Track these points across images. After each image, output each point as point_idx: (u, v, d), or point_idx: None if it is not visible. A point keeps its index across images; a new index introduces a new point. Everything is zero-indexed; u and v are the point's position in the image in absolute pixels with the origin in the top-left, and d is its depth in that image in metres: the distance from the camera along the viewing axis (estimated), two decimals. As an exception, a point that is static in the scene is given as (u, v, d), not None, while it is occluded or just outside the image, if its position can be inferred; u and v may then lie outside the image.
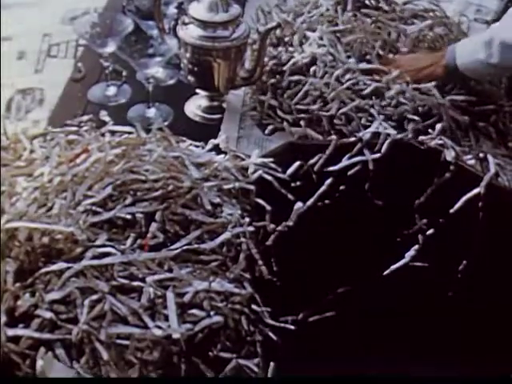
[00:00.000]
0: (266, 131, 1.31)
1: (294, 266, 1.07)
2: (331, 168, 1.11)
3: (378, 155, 1.12)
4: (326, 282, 1.12)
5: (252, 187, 1.07)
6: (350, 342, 1.12)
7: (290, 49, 1.40)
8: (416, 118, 1.25)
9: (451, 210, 1.09)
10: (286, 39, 1.44)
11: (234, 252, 1.00)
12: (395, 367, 1.09)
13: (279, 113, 1.31)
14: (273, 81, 1.33)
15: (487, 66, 1.26)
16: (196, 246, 0.96)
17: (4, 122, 1.16)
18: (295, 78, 1.33)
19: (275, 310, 0.98)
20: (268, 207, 1.06)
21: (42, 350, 0.81)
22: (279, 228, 1.07)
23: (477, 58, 1.27)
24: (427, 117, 1.26)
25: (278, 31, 1.44)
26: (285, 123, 1.29)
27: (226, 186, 1.06)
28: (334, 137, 1.14)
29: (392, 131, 1.17)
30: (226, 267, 0.97)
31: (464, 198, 1.09)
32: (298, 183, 1.10)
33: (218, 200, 1.03)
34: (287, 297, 1.03)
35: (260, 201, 1.07)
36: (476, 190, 1.08)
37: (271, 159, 1.12)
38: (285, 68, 1.34)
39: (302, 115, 1.29)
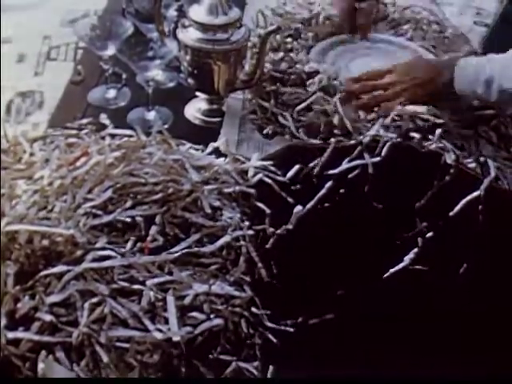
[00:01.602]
0: (264, 131, 1.31)
1: (293, 269, 1.06)
2: (331, 171, 1.11)
3: (378, 158, 1.12)
4: (326, 285, 1.12)
5: (252, 191, 1.07)
6: (350, 344, 1.11)
7: (291, 54, 1.41)
8: (417, 135, 1.25)
9: (451, 213, 1.09)
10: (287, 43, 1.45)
11: (234, 255, 1.00)
12: (395, 370, 1.09)
13: (280, 119, 1.31)
14: (273, 88, 1.34)
15: (484, 99, 1.27)
16: (196, 249, 0.97)
17: (4, 124, 1.16)
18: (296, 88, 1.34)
19: (275, 313, 0.98)
20: (268, 210, 1.06)
21: (43, 353, 0.81)
22: (279, 231, 1.07)
23: (475, 90, 1.27)
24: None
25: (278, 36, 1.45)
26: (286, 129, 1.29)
27: (226, 190, 1.06)
28: (333, 140, 1.14)
29: (392, 134, 1.17)
30: (226, 270, 0.97)
31: (463, 201, 1.09)
32: (298, 186, 1.10)
33: (217, 203, 1.03)
34: (287, 300, 1.03)
35: (260, 204, 1.07)
36: (476, 193, 1.08)
37: (271, 162, 1.12)
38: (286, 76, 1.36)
39: (302, 120, 1.29)
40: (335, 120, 1.27)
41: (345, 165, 1.11)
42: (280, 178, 1.10)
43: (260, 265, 1.01)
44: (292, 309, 1.07)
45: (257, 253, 1.01)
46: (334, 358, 1.08)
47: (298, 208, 1.07)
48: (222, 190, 1.06)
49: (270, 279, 1.02)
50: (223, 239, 0.98)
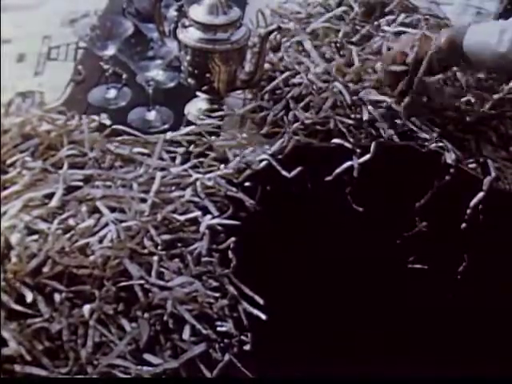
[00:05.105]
0: (264, 131, 1.31)
1: (294, 267, 1.07)
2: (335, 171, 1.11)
3: (376, 158, 1.12)
4: (326, 284, 1.12)
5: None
6: (349, 344, 1.12)
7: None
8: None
9: (451, 213, 1.10)
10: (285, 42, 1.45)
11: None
12: (394, 369, 1.10)
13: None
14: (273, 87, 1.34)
15: (493, 52, 1.23)
16: None
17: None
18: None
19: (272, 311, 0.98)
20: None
21: None
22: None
23: (486, 40, 1.24)
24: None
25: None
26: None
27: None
28: (335, 140, 1.14)
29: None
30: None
31: (470, 204, 1.09)
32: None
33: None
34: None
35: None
36: (480, 195, 1.08)
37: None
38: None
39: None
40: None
41: (345, 165, 1.12)
42: (285, 173, 1.10)
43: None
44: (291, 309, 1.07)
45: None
46: (333, 357, 1.09)
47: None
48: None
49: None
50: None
